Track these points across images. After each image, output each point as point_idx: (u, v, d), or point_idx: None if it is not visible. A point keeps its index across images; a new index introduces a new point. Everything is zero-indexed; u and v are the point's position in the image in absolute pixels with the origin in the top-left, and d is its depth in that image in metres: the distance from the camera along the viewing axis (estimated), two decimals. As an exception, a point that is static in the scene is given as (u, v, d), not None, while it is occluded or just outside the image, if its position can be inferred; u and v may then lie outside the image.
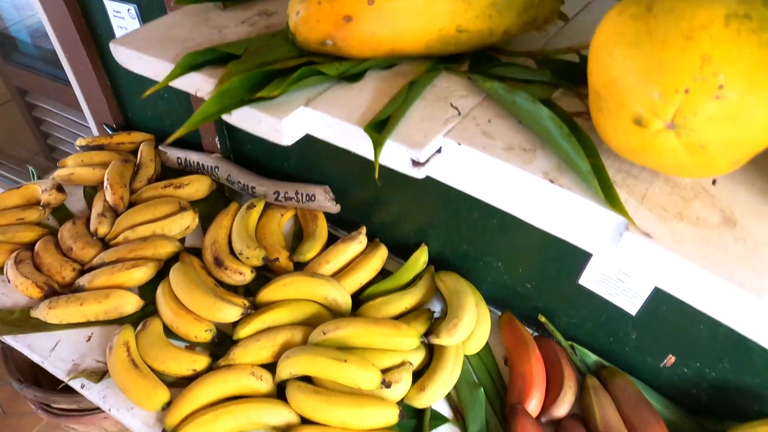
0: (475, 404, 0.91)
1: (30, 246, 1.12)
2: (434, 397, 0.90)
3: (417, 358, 0.94)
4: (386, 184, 1.09)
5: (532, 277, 1.00)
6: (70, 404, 1.29)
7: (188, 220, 1.18)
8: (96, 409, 1.33)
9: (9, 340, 0.98)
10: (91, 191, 1.27)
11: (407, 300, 1.02)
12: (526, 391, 0.90)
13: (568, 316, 1.00)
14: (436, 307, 1.07)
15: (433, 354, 0.96)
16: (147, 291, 1.06)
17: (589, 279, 0.92)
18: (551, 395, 0.91)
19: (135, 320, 1.01)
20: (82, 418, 1.33)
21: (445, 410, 0.93)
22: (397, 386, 0.89)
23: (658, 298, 0.86)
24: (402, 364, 0.92)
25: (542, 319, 1.01)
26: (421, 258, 1.10)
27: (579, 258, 0.90)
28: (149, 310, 1.04)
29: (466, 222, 1.01)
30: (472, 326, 0.96)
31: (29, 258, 1.08)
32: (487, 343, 1.01)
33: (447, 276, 1.06)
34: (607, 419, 0.87)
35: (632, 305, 0.89)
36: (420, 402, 0.89)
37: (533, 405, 0.89)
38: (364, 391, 0.87)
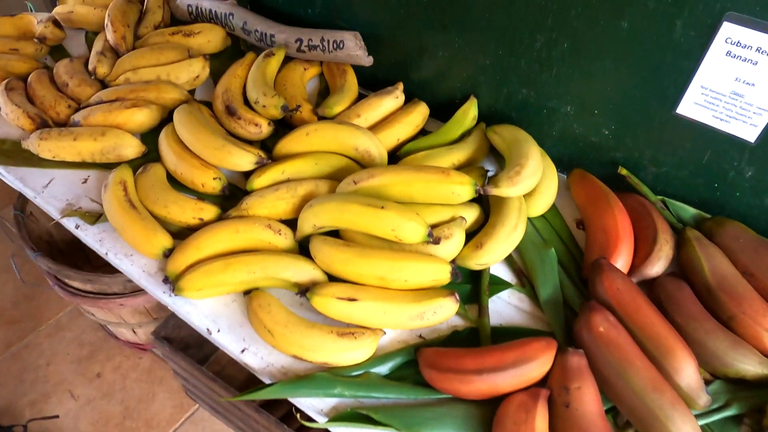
0: (544, 265, 0.73)
1: (23, 78, 0.99)
2: (493, 256, 0.72)
3: (470, 215, 0.76)
4: (430, 24, 0.89)
5: (610, 120, 0.80)
6: (83, 284, 1.19)
7: (198, 68, 1.01)
8: (112, 294, 1.23)
9: (1, 171, 0.88)
10: (93, 36, 1.12)
11: (455, 155, 0.84)
12: (610, 246, 0.72)
13: (657, 165, 0.80)
14: (490, 168, 0.88)
15: (489, 214, 0.78)
16: (148, 140, 0.91)
17: (690, 104, 0.72)
18: (642, 252, 0.72)
19: (135, 167, 0.86)
20: (98, 302, 1.23)
21: (506, 275, 0.76)
22: (447, 243, 0.71)
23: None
24: (452, 219, 0.74)
25: (623, 172, 0.81)
26: (470, 112, 0.91)
27: (678, 77, 0.70)
28: (151, 157, 0.89)
29: (526, 56, 0.81)
30: (536, 176, 0.77)
31: (22, 88, 0.96)
32: (553, 205, 0.82)
33: (503, 128, 0.87)
34: (719, 270, 0.68)
35: (751, 128, 0.69)
36: (477, 261, 0.72)
37: (621, 262, 0.71)
38: (406, 245, 0.70)
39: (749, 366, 0.62)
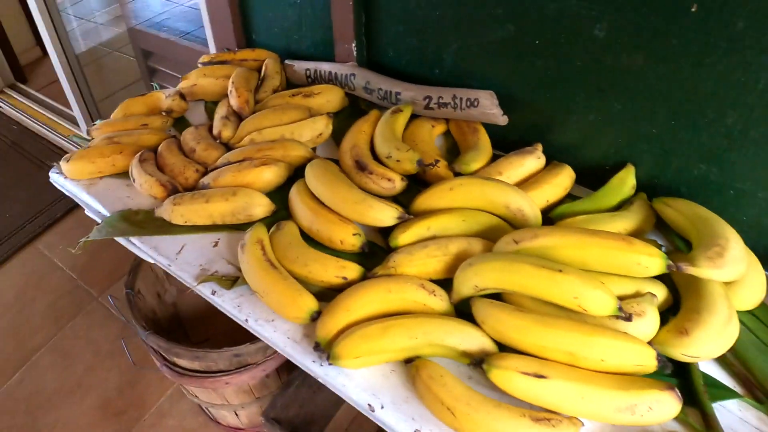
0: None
1: (154, 150, 0.98)
2: (704, 348, 0.60)
3: (656, 292, 0.65)
4: (582, 87, 0.83)
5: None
6: (191, 361, 1.11)
7: (321, 126, 0.96)
8: (218, 372, 1.13)
9: (136, 242, 0.83)
10: (212, 106, 1.11)
11: (620, 223, 0.75)
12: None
13: None
14: (660, 243, 0.78)
15: (680, 296, 0.67)
16: (275, 198, 0.85)
17: None
18: None
19: (266, 226, 0.79)
20: (204, 381, 1.13)
21: (720, 377, 0.63)
22: (640, 321, 0.60)
23: None
24: (637, 294, 0.64)
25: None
26: (627, 180, 0.82)
27: None
28: (281, 216, 0.83)
29: (710, 130, 0.73)
30: (744, 263, 0.66)
31: (152, 159, 0.95)
32: (762, 303, 0.69)
33: (677, 201, 0.77)
34: None
35: None
36: (682, 349, 0.60)
37: None
38: (589, 318, 0.60)
39: None
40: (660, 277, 0.68)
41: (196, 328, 1.43)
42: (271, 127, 0.95)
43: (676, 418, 0.57)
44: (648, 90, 0.76)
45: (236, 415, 1.31)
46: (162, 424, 1.49)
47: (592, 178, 0.85)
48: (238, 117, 1.01)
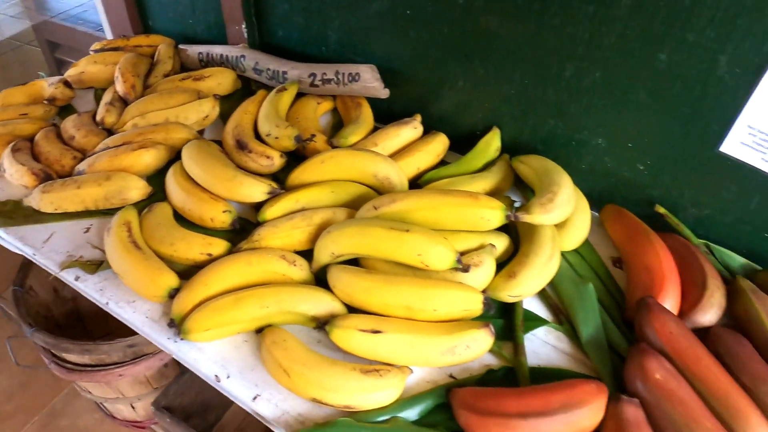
0: (583, 301, 0.67)
1: (31, 139, 0.96)
2: (528, 288, 0.66)
3: (499, 244, 0.70)
4: (451, 54, 0.86)
5: (646, 155, 0.76)
6: (81, 356, 1.10)
7: (207, 108, 0.97)
8: (111, 365, 1.13)
9: (1, 233, 0.81)
10: (102, 94, 1.09)
11: (480, 183, 0.79)
12: (655, 286, 0.65)
13: (699, 207, 0.75)
14: (516, 199, 0.83)
15: (519, 244, 0.72)
16: (155, 182, 0.85)
17: (735, 144, 0.68)
18: (690, 297, 0.66)
19: (141, 209, 0.80)
20: (95, 375, 1.13)
21: (541, 312, 0.69)
22: (477, 271, 0.65)
23: None
24: (481, 247, 0.69)
25: (661, 210, 0.76)
26: (492, 142, 0.86)
27: (721, 114, 0.66)
28: (158, 199, 0.83)
29: (555, 85, 0.78)
30: (570, 205, 0.72)
31: (28, 148, 0.93)
32: (587, 241, 0.76)
33: (530, 158, 0.82)
34: (781, 322, 0.62)
35: (805, 170, 0.65)
36: (509, 292, 0.65)
37: (668, 305, 0.64)
38: (433, 273, 0.64)
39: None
40: (507, 230, 0.73)
41: (98, 323, 1.41)
42: (156, 111, 0.95)
43: (492, 352, 0.62)
44: (504, 52, 0.80)
45: (132, 407, 1.31)
46: (53, 425, 1.44)
47: (466, 144, 0.89)
48: (124, 103, 1.00)
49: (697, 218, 0.76)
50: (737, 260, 0.72)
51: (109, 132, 0.96)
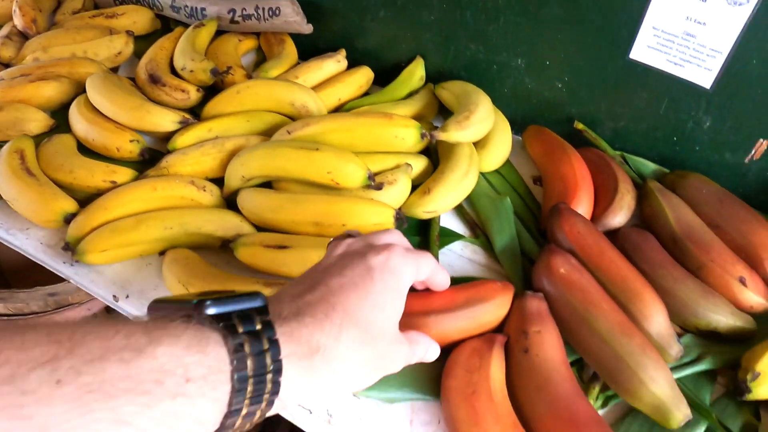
0: (499, 215, 0.66)
1: None
2: (443, 203, 0.65)
3: (416, 164, 0.70)
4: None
5: (563, 71, 0.76)
6: None
7: (120, 44, 0.92)
8: (30, 314, 1.08)
9: None
10: None
11: (402, 110, 0.77)
12: (569, 194, 0.66)
13: (615, 120, 0.76)
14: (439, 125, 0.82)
15: (438, 164, 0.72)
16: (60, 118, 0.80)
17: (643, 48, 0.68)
18: (602, 202, 0.67)
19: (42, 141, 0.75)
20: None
21: (458, 228, 0.69)
22: (391, 189, 0.64)
23: (745, 51, 0.62)
24: (397, 167, 0.68)
25: (580, 126, 0.76)
26: (416, 72, 0.85)
27: (628, 18, 0.66)
28: (62, 132, 0.78)
29: (472, 6, 0.76)
30: (487, 123, 0.72)
31: None
32: (508, 161, 0.76)
33: (451, 84, 0.81)
34: (685, 220, 0.63)
35: (706, 73, 0.65)
36: (424, 208, 0.65)
37: (581, 210, 0.65)
38: (345, 191, 0.63)
39: (721, 317, 0.56)
40: (427, 152, 0.72)
41: (22, 277, 1.34)
42: (61, 46, 0.88)
43: None
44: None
45: None
46: None
47: (391, 78, 0.87)
48: (25, 38, 0.94)
49: (613, 131, 0.76)
50: (649, 167, 0.73)
51: (6, 67, 0.88)
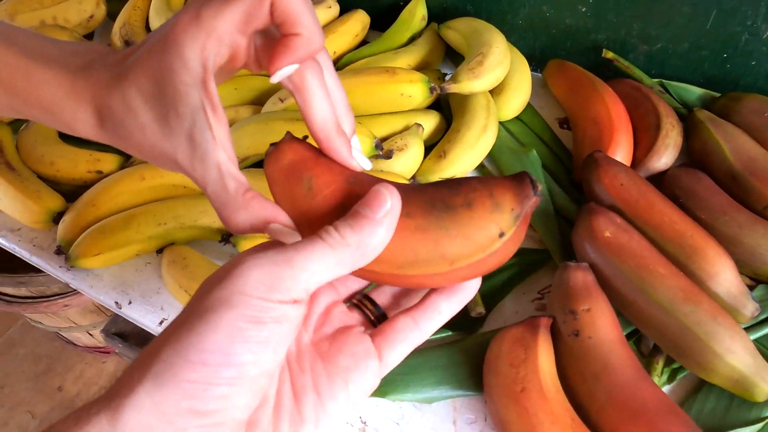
0: (527, 168, 0.59)
1: None
2: (461, 166, 0.58)
3: (427, 123, 0.61)
4: None
5: (588, -8, 0.66)
6: (17, 287, 1.03)
7: (90, 7, 0.83)
8: (53, 296, 1.07)
9: None
10: None
11: (404, 58, 0.68)
12: (604, 138, 0.57)
13: (649, 42, 0.66)
14: (448, 72, 0.73)
15: (451, 120, 0.63)
16: None
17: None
18: (644, 143, 0.58)
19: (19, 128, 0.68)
20: (39, 306, 1.07)
21: (480, 189, 0.61)
22: (402, 156, 0.56)
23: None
24: (405, 129, 0.60)
25: (609, 55, 0.67)
26: (416, 11, 0.75)
27: None
28: None
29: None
30: (504, 66, 0.62)
31: None
32: (529, 104, 0.68)
33: (458, 22, 0.71)
34: (744, 151, 0.55)
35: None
36: (442, 173, 0.57)
37: (619, 156, 0.57)
38: (353, 164, 0.56)
39: (798, 260, 0.49)
40: (437, 105, 0.64)
41: None
42: (28, 12, 0.80)
43: None
44: None
45: (90, 335, 1.27)
46: (11, 354, 1.43)
47: (389, 21, 0.77)
48: None
49: (648, 55, 0.67)
50: (694, 92, 0.64)
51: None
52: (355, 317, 0.31)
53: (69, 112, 0.31)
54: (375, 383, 0.29)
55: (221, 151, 0.28)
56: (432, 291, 0.31)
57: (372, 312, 0.31)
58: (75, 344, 1.38)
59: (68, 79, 0.30)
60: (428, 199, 0.28)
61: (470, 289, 0.31)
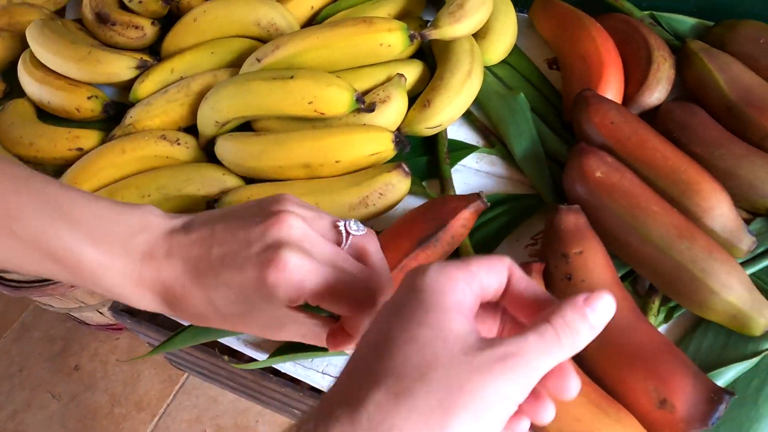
0: (515, 115, 0.57)
1: None
2: (447, 114, 0.56)
3: (410, 73, 0.59)
4: None
5: None
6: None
7: None
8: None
9: None
10: None
11: (384, 8, 0.65)
12: (593, 75, 0.55)
13: (640, -28, 0.63)
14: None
15: (435, 68, 0.61)
16: (10, 79, 0.72)
17: None
18: (635, 78, 0.56)
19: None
20: (45, 289, 1.09)
21: (469, 138, 0.60)
22: (385, 108, 0.55)
23: None
24: (388, 80, 0.58)
25: (597, -12, 0.64)
26: (397, -43, 0.72)
27: None
28: (17, 97, 0.70)
29: None
30: (486, 7, 0.59)
31: None
32: (515, 47, 0.65)
33: (440, -36, 0.68)
34: (740, 82, 0.53)
35: None
36: (426, 123, 0.56)
37: (610, 94, 0.55)
38: (333, 120, 0.54)
39: (797, 191, 0.47)
40: (420, 55, 0.62)
41: None
42: None
43: (415, 193, 0.53)
44: None
45: (100, 313, 1.29)
46: (26, 337, 1.46)
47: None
48: None
49: (639, -12, 0.64)
50: (687, 23, 0.62)
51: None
52: None
53: (134, 298, 0.31)
54: None
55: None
56: None
57: None
58: (87, 323, 1.40)
59: (135, 271, 0.30)
60: None
61: None
